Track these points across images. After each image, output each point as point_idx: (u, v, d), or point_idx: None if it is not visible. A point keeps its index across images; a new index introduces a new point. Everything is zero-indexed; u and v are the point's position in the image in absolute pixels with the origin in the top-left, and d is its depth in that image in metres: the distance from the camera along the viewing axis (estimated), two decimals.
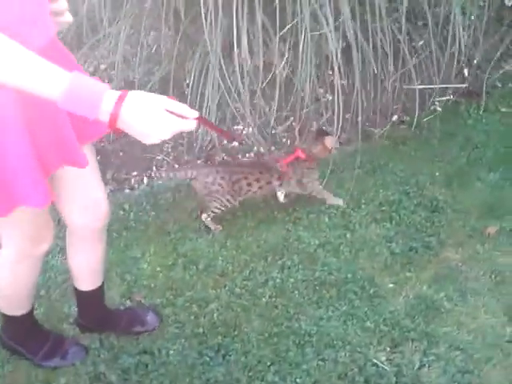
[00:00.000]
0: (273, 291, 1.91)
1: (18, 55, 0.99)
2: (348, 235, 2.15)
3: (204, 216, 2.18)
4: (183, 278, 1.97)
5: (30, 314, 1.67)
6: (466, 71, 3.30)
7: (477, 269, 1.99)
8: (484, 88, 2.97)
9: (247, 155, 2.73)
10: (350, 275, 1.96)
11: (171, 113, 1.03)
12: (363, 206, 2.28)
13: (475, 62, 3.33)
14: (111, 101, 1.00)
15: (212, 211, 2.16)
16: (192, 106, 1.09)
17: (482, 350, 1.71)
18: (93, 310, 1.77)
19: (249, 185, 2.16)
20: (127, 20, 2.56)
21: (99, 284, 1.71)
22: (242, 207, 2.28)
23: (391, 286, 1.93)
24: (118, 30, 2.66)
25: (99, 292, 1.73)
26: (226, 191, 2.12)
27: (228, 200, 2.14)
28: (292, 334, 1.77)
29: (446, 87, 3.23)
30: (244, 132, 2.92)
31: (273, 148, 2.78)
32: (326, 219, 2.22)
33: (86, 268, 1.66)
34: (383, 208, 2.27)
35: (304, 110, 2.87)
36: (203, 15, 2.34)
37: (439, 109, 3.04)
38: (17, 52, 0.99)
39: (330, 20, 2.35)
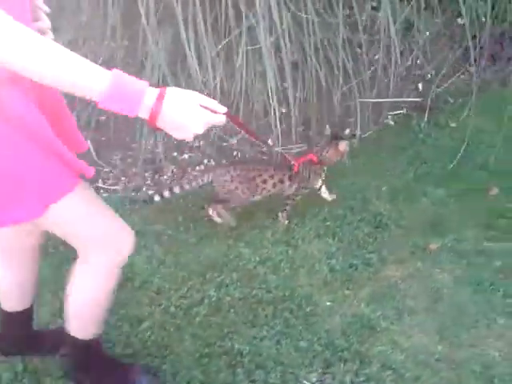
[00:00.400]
0: (208, 310, 1.88)
1: (60, 54, 0.98)
2: (290, 251, 2.12)
3: (210, 210, 2.21)
4: (118, 296, 1.91)
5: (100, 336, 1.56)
6: (420, 85, 3.35)
7: (416, 286, 1.98)
8: (433, 102, 3.00)
9: (197, 168, 2.70)
10: (287, 293, 1.94)
11: (204, 107, 1.07)
12: (307, 221, 2.26)
13: (429, 76, 3.39)
14: (152, 98, 1.02)
15: (231, 206, 2.20)
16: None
17: (413, 369, 1.69)
18: (18, 331, 1.68)
19: (264, 182, 2.20)
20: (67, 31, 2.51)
21: (29, 305, 1.64)
22: (184, 222, 2.25)
23: (329, 304, 1.91)
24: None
25: (28, 313, 1.66)
26: (246, 187, 2.17)
27: (247, 197, 2.19)
28: (224, 354, 1.73)
29: (401, 101, 3.28)
30: (195, 144, 2.91)
31: (224, 161, 2.76)
32: (269, 235, 2.20)
33: (15, 287, 1.59)
34: (327, 223, 2.25)
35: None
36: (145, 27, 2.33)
37: (392, 122, 3.06)
38: (58, 51, 0.98)
39: (267, 36, 2.34)
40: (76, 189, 1.23)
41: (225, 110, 1.10)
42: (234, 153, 2.83)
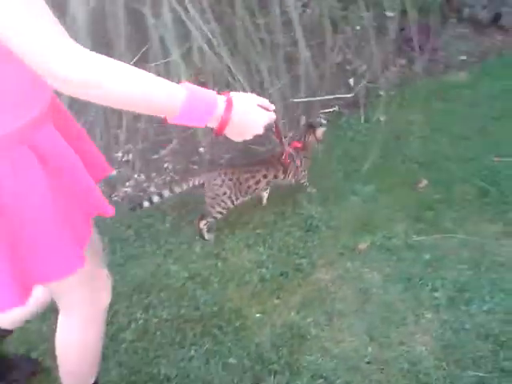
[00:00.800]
0: (134, 334, 1.82)
1: (150, 80, 0.98)
2: (219, 264, 2.09)
3: (203, 223, 2.19)
4: (39, 329, 1.85)
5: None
6: (351, 81, 3.35)
7: (345, 288, 1.97)
8: (365, 98, 3.01)
9: (127, 184, 2.64)
10: (216, 308, 1.90)
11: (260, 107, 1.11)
12: (237, 232, 2.23)
13: (360, 71, 3.40)
14: (222, 107, 1.04)
15: (213, 216, 2.19)
16: None
17: (344, 375, 1.68)
18: None
19: (257, 183, 2.25)
20: None
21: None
22: (111, 241, 2.19)
23: (258, 315, 1.88)
24: None
25: None
26: (234, 193, 2.18)
27: (233, 202, 2.20)
28: (150, 380, 1.68)
29: (332, 98, 3.28)
30: (124, 159, 2.84)
31: (154, 174, 2.70)
32: (198, 249, 2.15)
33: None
34: (258, 231, 2.22)
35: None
36: None
37: (324, 121, 3.05)
38: (147, 77, 0.98)
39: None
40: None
41: (273, 107, 1.14)
42: (165, 165, 2.78)
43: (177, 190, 2.16)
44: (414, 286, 1.97)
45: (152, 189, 2.62)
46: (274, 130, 1.31)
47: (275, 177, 2.29)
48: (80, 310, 1.32)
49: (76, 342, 1.37)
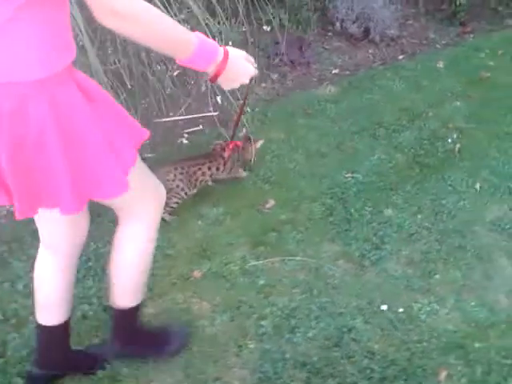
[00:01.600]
0: None
1: (169, 20, 1.22)
2: None
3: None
4: None
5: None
6: (219, 99, 3.30)
7: (169, 322, 1.89)
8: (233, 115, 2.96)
9: None
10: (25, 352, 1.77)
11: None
12: None
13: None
14: (221, 56, 1.27)
15: (171, 207, 2.30)
16: None
17: None
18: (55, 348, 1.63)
19: (203, 174, 2.39)
20: None
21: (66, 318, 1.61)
22: None
23: None
24: None
25: (65, 328, 1.62)
26: (186, 185, 2.32)
27: (186, 193, 2.33)
28: None
29: (199, 117, 3.21)
30: None
31: None
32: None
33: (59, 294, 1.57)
34: (90, 264, 2.10)
35: None
36: None
37: (186, 141, 2.98)
38: (168, 18, 1.22)
39: None
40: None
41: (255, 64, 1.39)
42: None
43: None
44: (241, 314, 1.91)
45: None
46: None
47: (217, 169, 2.43)
48: (145, 218, 1.52)
49: (139, 250, 1.55)
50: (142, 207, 1.50)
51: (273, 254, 2.16)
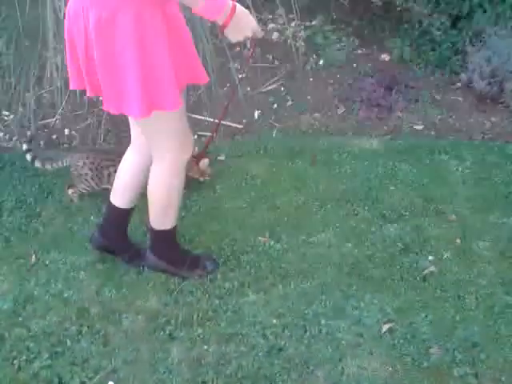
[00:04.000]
0: None
1: None
2: None
3: (70, 191, 2.35)
4: None
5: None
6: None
7: None
8: None
9: None
10: None
11: None
12: None
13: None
14: (229, 8, 1.53)
15: (79, 190, 2.33)
16: None
17: None
18: (117, 228, 2.00)
19: (116, 171, 2.19)
20: None
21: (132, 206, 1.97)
22: None
23: None
24: None
25: (129, 214, 1.99)
26: (95, 176, 2.28)
27: (96, 184, 2.30)
28: None
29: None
30: None
31: None
32: None
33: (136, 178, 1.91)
34: None
35: None
36: None
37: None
38: None
39: None
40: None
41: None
42: None
43: (48, 166, 2.39)
44: None
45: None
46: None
47: None
48: (170, 157, 1.76)
49: (164, 184, 1.81)
50: (162, 150, 1.75)
51: None
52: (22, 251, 2.13)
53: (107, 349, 1.76)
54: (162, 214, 1.88)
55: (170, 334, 1.81)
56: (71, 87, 1.73)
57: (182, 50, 1.63)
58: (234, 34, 1.57)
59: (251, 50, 1.80)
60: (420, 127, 2.91)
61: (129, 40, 1.50)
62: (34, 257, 2.10)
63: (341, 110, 3.00)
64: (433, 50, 3.23)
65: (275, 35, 3.46)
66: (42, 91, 2.93)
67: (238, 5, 1.55)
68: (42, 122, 2.87)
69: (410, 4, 3.22)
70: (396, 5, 3.32)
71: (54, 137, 2.81)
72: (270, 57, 3.30)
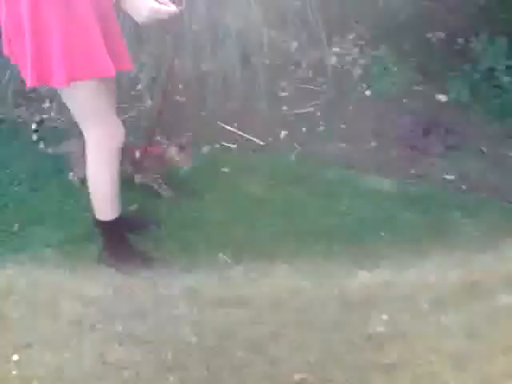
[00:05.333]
0: None
1: None
2: None
3: (72, 174, 2.41)
4: None
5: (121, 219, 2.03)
6: None
7: None
8: None
9: None
10: None
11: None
12: None
13: None
14: None
15: (81, 174, 2.23)
16: None
17: None
18: None
19: None
20: None
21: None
22: None
23: None
24: None
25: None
26: None
27: None
28: None
29: None
30: None
31: None
32: None
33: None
34: None
35: None
36: None
37: None
38: None
39: None
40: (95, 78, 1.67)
41: (176, 10, 1.55)
42: None
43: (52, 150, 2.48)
44: None
45: None
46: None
47: None
48: (94, 147, 1.84)
49: (92, 176, 1.90)
50: (88, 128, 1.83)
51: None
52: (9, 219, 2.33)
53: None
54: (94, 202, 1.97)
55: None
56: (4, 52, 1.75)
57: (109, 36, 1.64)
58: (134, 15, 1.57)
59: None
60: (451, 177, 2.65)
61: (53, 19, 1.54)
62: (17, 226, 2.29)
63: (371, 145, 2.84)
64: (496, 96, 2.92)
65: (334, 59, 3.38)
66: None
67: None
68: None
69: (473, 44, 2.95)
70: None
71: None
72: (320, 80, 3.23)
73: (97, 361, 1.72)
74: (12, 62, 1.74)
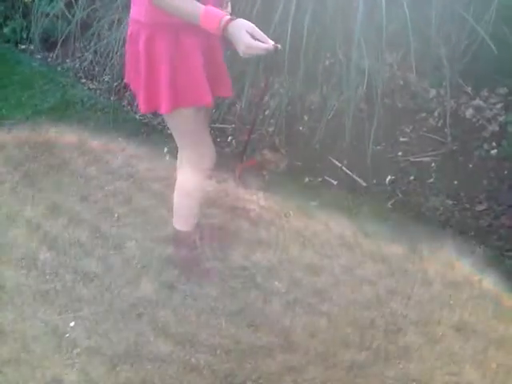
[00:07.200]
0: None
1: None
2: None
3: None
4: None
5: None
6: None
7: None
8: None
9: None
10: None
11: (253, 37, 1.63)
12: None
13: None
14: (222, 22, 1.63)
15: None
16: None
17: None
18: None
19: None
20: None
21: None
22: None
23: None
24: None
25: None
26: None
27: None
28: None
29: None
30: None
31: None
32: None
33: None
34: None
35: None
36: None
37: None
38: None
39: None
40: (192, 108, 1.89)
41: (271, 47, 1.64)
42: None
43: None
44: None
45: None
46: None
47: None
48: (187, 163, 2.06)
49: (179, 189, 2.13)
50: (181, 146, 2.04)
51: None
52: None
53: None
54: (175, 211, 2.21)
55: None
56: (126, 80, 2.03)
57: (212, 66, 1.86)
58: (238, 48, 1.63)
59: (264, 83, 1.90)
60: None
61: (164, 57, 1.79)
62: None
63: (477, 208, 2.65)
64: None
65: (470, 112, 3.20)
66: None
67: (237, 20, 1.62)
68: None
69: None
70: None
71: None
72: (447, 131, 3.10)
73: None
74: (130, 89, 2.10)
